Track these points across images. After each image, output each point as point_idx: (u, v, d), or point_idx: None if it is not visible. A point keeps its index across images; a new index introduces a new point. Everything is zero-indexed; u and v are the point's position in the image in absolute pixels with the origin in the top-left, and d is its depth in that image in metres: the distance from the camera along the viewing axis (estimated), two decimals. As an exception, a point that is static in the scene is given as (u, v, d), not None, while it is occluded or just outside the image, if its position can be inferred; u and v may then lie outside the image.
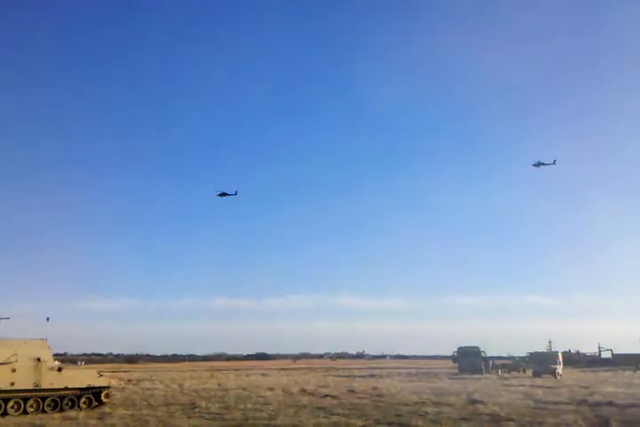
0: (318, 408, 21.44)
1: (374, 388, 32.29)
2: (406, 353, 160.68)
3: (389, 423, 17.04)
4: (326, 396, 27.03)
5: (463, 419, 18.11)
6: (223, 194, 62.22)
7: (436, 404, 22.98)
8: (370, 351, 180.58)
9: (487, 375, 49.45)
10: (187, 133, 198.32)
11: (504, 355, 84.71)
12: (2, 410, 19.18)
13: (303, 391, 30.07)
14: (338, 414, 19.35)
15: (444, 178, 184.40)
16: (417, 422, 17.10)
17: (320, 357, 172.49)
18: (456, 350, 56.44)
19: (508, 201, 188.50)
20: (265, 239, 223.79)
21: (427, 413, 19.66)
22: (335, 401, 24.37)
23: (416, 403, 23.35)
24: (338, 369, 70.58)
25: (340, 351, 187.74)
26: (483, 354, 54.71)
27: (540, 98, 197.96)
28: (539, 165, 49.81)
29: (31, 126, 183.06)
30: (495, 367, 55.93)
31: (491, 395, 26.78)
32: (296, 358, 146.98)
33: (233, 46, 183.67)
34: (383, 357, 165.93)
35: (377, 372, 59.37)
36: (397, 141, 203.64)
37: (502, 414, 19.10)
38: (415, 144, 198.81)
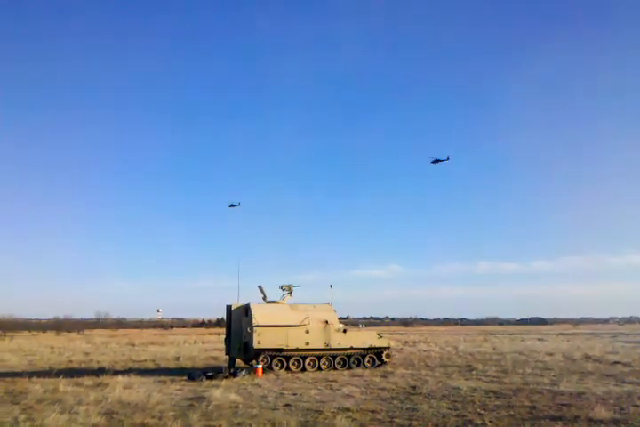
0: (607, 375, 19.75)
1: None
2: None
3: (699, 396, 14.81)
4: (615, 363, 24.72)
5: None
6: (232, 205, 71.38)
7: None
8: None
9: None
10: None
11: None
12: (301, 366, 22.08)
13: (587, 357, 27.98)
14: (631, 383, 17.54)
15: None
16: None
17: (605, 321, 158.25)
18: None
19: None
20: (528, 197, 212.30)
21: None
22: (627, 369, 22.13)
23: None
24: (627, 335, 63.67)
25: (628, 316, 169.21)
26: None
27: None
28: (436, 161, 49.92)
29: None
30: None
31: None
32: (576, 322, 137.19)
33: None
34: None
35: None
36: None
37: None
38: None
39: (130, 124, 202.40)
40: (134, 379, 18.98)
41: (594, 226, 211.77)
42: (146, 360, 28.69)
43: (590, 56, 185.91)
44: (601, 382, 18.09)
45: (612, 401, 13.91)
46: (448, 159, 48.81)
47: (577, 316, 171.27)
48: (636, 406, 13.18)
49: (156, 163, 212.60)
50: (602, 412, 12.05)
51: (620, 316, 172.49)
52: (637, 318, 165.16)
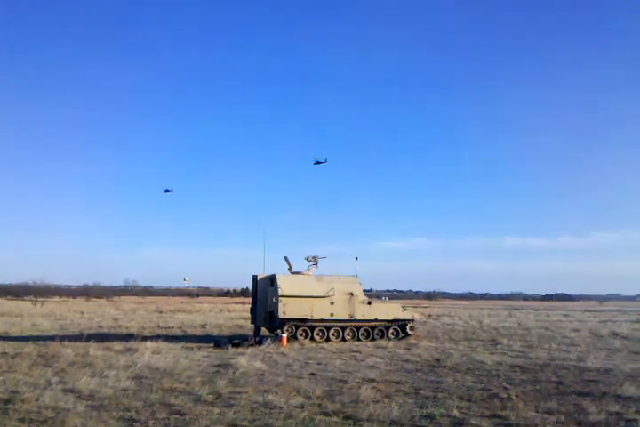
0: (635, 353, 19.48)
1: None
2: None
3: None
4: (644, 340, 24.39)
5: None
6: (166, 191, 72.22)
7: None
8: None
9: None
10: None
11: None
12: (325, 337, 22.26)
13: (614, 334, 27.66)
14: (661, 361, 17.28)
15: None
16: None
17: (632, 299, 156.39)
18: None
19: None
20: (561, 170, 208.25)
21: None
22: (656, 346, 21.81)
23: None
24: (656, 312, 62.78)
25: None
26: None
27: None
28: (317, 163, 54.85)
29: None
30: None
31: None
32: (603, 299, 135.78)
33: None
34: None
35: None
36: None
37: None
38: None
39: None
40: (162, 345, 19.36)
41: (623, 201, 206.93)
42: (173, 327, 29.29)
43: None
44: (629, 358, 17.87)
45: (640, 378, 13.71)
46: (326, 161, 56.30)
47: (603, 292, 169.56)
48: (666, 384, 12.95)
49: (185, 133, 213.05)
50: (630, 389, 11.90)
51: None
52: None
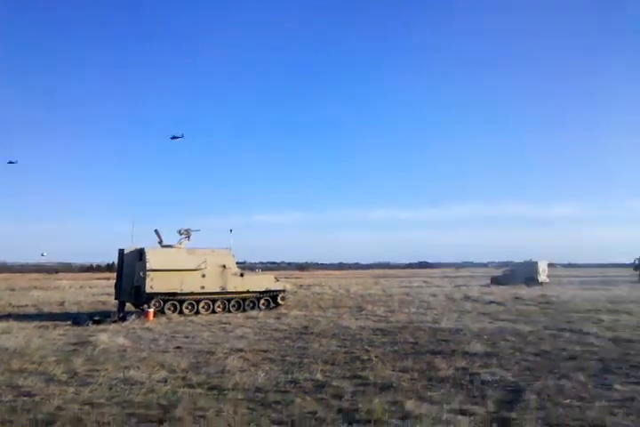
0: (483, 314, 21.38)
1: (542, 295, 31.30)
2: (578, 262, 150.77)
3: (560, 329, 16.43)
4: (491, 302, 26.84)
5: (644, 327, 16.86)
6: (10, 162, 71.90)
7: (612, 312, 21.68)
8: (539, 259, 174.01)
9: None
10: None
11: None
12: (195, 310, 21.93)
13: (467, 298, 30.16)
14: (503, 320, 19.12)
15: None
16: (590, 328, 16.26)
17: (484, 265, 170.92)
18: (638, 257, 53.60)
19: None
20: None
21: (601, 320, 18.61)
22: (501, 308, 24.09)
23: (589, 310, 22.23)
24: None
25: (505, 260, 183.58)
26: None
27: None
28: (174, 138, 57.72)
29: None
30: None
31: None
32: (458, 266, 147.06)
33: None
34: (552, 265, 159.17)
35: (547, 280, 57.19)
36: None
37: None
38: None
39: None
40: (13, 324, 17.90)
41: (482, 173, 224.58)
42: (27, 305, 27.14)
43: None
44: (477, 319, 19.55)
45: (485, 337, 15.04)
46: (183, 136, 58.30)
47: (459, 260, 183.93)
48: (507, 340, 14.34)
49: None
50: (476, 346, 13.02)
51: (497, 260, 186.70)
52: (513, 262, 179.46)
